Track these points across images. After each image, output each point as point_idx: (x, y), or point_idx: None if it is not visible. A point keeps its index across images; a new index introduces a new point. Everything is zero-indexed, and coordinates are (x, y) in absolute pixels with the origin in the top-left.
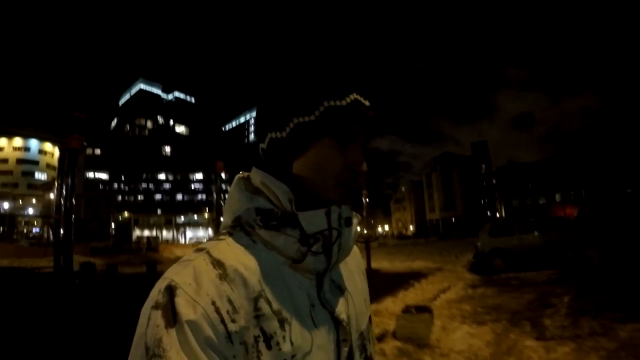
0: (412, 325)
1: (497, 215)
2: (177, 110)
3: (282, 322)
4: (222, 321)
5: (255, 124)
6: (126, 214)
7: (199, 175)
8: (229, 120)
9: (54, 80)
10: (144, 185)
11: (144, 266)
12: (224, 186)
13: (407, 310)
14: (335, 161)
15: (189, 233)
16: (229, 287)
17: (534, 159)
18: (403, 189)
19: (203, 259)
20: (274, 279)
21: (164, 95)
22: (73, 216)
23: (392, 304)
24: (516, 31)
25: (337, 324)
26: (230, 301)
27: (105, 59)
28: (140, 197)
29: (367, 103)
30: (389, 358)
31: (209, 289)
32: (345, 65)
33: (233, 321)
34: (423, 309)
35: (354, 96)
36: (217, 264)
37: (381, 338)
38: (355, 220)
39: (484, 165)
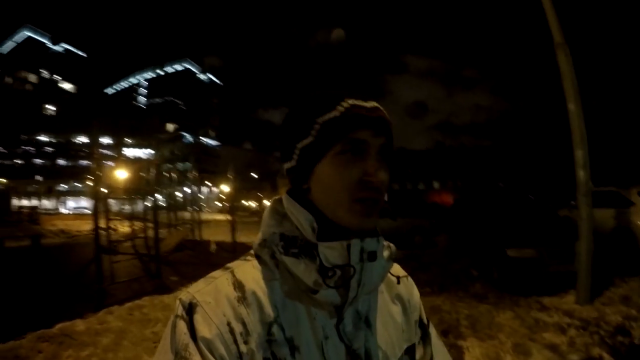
0: None
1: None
2: (65, 65)
3: (293, 349)
4: (235, 342)
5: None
6: (3, 180)
7: (83, 139)
8: (118, 81)
9: None
10: (22, 147)
11: (28, 239)
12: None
13: None
14: (344, 175)
15: (71, 202)
16: (245, 310)
17: (423, 147)
18: None
19: (226, 279)
20: (290, 307)
21: (51, 46)
22: None
23: None
24: (419, 19)
25: (356, 358)
26: (244, 324)
27: None
28: (18, 161)
29: (369, 104)
30: None
31: (225, 310)
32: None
33: (245, 342)
34: None
35: (348, 102)
36: (238, 285)
37: None
38: (385, 253)
39: None
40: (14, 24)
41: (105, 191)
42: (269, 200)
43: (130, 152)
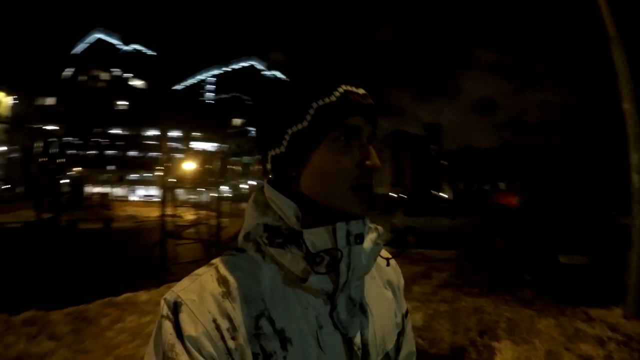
0: None
1: (445, 196)
2: (135, 63)
3: (284, 341)
4: (222, 338)
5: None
6: (79, 169)
7: (153, 132)
8: (186, 78)
9: (6, 27)
10: (96, 139)
11: (100, 222)
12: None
13: None
14: (343, 163)
15: (141, 191)
16: (231, 305)
17: (489, 145)
18: None
19: (210, 275)
20: (279, 298)
21: (122, 47)
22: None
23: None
24: (489, 13)
25: (352, 346)
26: (230, 319)
27: (62, 3)
28: (92, 152)
29: (360, 91)
30: None
31: (210, 307)
32: (328, 58)
33: (233, 338)
34: None
35: (343, 88)
36: (222, 280)
37: None
38: (371, 236)
39: (435, 147)
40: (87, 26)
41: (174, 181)
42: None
43: (198, 145)
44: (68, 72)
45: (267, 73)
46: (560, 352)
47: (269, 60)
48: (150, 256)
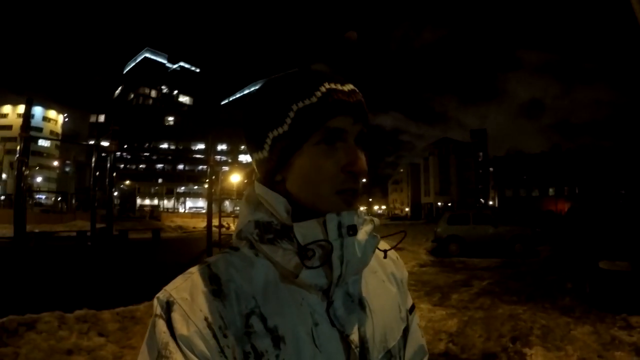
0: None
1: (491, 203)
2: (181, 80)
3: (276, 340)
4: (215, 336)
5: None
6: (129, 182)
7: (200, 146)
8: (232, 93)
9: (60, 48)
10: (146, 154)
11: (149, 232)
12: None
13: None
14: (325, 168)
15: (189, 203)
16: (221, 303)
17: (538, 148)
18: (402, 170)
19: (202, 273)
20: (272, 295)
21: (169, 65)
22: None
23: None
24: (532, 11)
25: (349, 344)
26: (222, 317)
27: (112, 27)
28: (142, 166)
29: (347, 87)
30: None
31: (202, 305)
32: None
33: (225, 336)
34: None
35: (325, 87)
36: (214, 278)
37: None
38: (367, 227)
39: (481, 153)
40: (137, 47)
41: (220, 193)
42: (378, 205)
43: (245, 157)
44: (119, 90)
45: None
46: None
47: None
48: (197, 263)
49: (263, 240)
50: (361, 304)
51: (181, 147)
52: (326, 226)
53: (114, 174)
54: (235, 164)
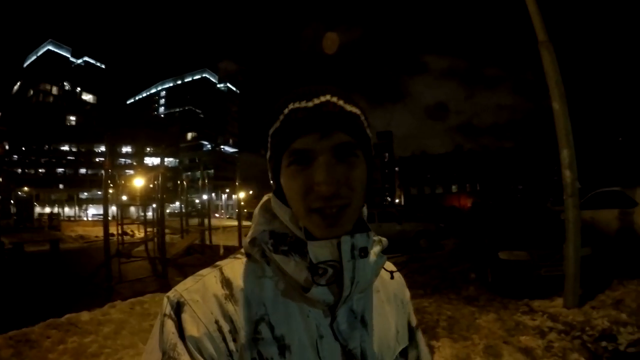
0: None
1: (397, 201)
2: (85, 77)
3: (282, 348)
4: (224, 340)
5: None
6: (27, 189)
7: (103, 148)
8: (139, 92)
9: None
10: (45, 157)
11: (47, 244)
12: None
13: None
14: (294, 188)
15: (92, 210)
16: (233, 307)
17: (442, 149)
18: None
19: (214, 276)
20: (281, 305)
21: (73, 59)
22: None
23: None
24: (439, 17)
25: (351, 358)
26: (232, 321)
27: (13, 15)
28: (41, 170)
29: (312, 103)
30: None
31: (213, 308)
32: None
33: (234, 340)
34: None
35: (289, 107)
36: (226, 283)
37: None
38: (376, 248)
39: (387, 154)
40: (38, 39)
41: (124, 198)
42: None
43: (151, 160)
44: (17, 86)
45: (220, 85)
46: (499, 346)
47: (219, 70)
48: (97, 276)
49: (277, 251)
50: (363, 321)
51: (83, 150)
52: (340, 248)
53: (9, 181)
54: (140, 167)
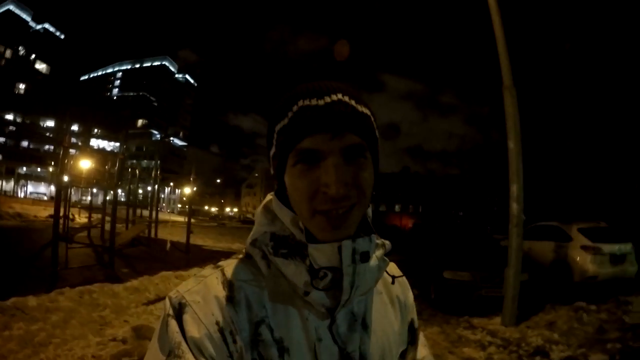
0: None
1: None
2: (42, 44)
3: (281, 350)
4: (225, 341)
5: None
6: None
7: (49, 123)
8: (95, 69)
9: None
10: None
11: None
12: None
13: None
14: (299, 189)
15: (30, 187)
16: (234, 309)
17: (390, 169)
18: (257, 174)
19: (215, 277)
20: (280, 307)
21: (32, 24)
22: None
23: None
24: (401, 39)
25: None
26: (233, 323)
27: None
28: None
29: (323, 101)
30: None
31: (214, 309)
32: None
33: (234, 341)
34: None
35: (299, 104)
36: (227, 284)
37: None
38: (379, 252)
39: None
40: None
41: (67, 180)
42: (230, 207)
43: (97, 142)
44: None
45: (179, 76)
46: (445, 355)
47: (179, 59)
48: (39, 259)
49: (277, 254)
50: (364, 324)
51: (28, 122)
52: (341, 252)
53: None
54: (87, 148)
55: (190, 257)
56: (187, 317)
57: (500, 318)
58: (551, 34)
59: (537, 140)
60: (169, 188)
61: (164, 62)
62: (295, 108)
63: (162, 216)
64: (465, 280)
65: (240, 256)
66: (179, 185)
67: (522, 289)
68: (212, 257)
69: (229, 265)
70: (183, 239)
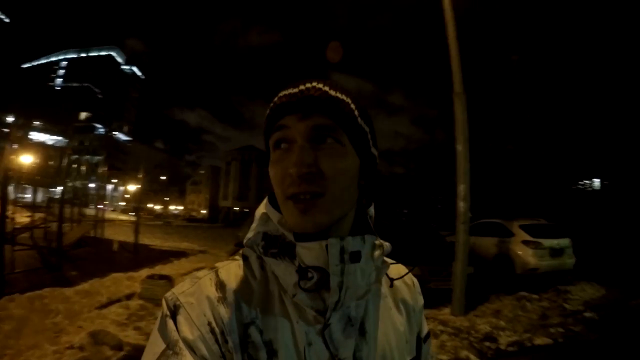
0: (152, 288)
1: None
2: None
3: (270, 353)
4: (217, 341)
5: None
6: None
7: None
8: (37, 57)
9: None
10: None
11: None
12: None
13: (150, 277)
14: (274, 171)
15: None
16: (225, 309)
17: None
18: (202, 171)
19: (209, 279)
20: (270, 309)
21: None
22: None
23: (147, 273)
24: (353, 38)
25: None
26: (224, 323)
27: None
28: None
29: (296, 89)
30: (132, 311)
31: (206, 310)
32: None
33: (226, 342)
34: (164, 277)
35: (278, 95)
36: (220, 285)
37: (129, 297)
38: (375, 253)
39: None
40: None
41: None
42: (175, 205)
43: (38, 136)
44: None
45: (125, 67)
46: None
47: (126, 48)
48: None
49: (267, 253)
50: (361, 329)
51: None
52: (328, 250)
53: None
54: (27, 141)
55: (139, 257)
56: (180, 319)
57: (449, 309)
58: (500, 46)
59: (482, 143)
60: (112, 185)
61: (111, 52)
62: (276, 99)
63: (107, 215)
64: (414, 275)
65: (237, 258)
66: (123, 182)
67: (469, 281)
68: (161, 257)
69: (224, 267)
70: (130, 239)
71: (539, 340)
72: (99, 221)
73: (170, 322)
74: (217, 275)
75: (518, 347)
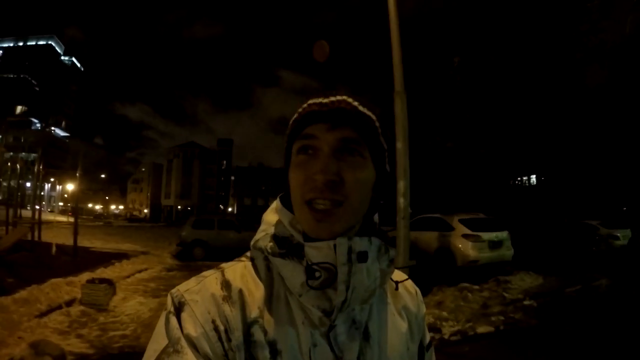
0: (93, 293)
1: (230, 209)
2: None
3: (274, 353)
4: (220, 339)
5: None
6: None
7: None
8: None
9: None
10: None
11: None
12: None
13: (91, 281)
14: (295, 175)
15: None
16: (229, 308)
17: (280, 164)
18: (143, 169)
19: (215, 278)
20: (276, 309)
21: None
22: None
23: (88, 278)
24: (299, 36)
25: None
26: (228, 322)
27: None
28: None
29: (327, 99)
30: (74, 318)
31: (210, 308)
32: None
33: (229, 340)
34: (105, 281)
35: (307, 103)
36: (225, 285)
37: (70, 303)
38: (380, 255)
39: (225, 162)
40: None
41: None
42: (115, 205)
43: None
44: None
45: (65, 58)
46: None
47: (65, 37)
48: None
49: (275, 254)
50: (366, 333)
51: None
52: (336, 249)
53: None
54: None
55: (79, 260)
56: (185, 316)
57: None
58: (442, 47)
59: (422, 140)
60: (49, 184)
61: (50, 42)
62: (305, 105)
63: (44, 216)
64: None
65: (243, 258)
66: (60, 181)
67: (411, 274)
68: (102, 260)
69: (230, 267)
70: (68, 241)
71: (481, 329)
72: (36, 223)
73: (173, 319)
74: (223, 275)
75: (461, 336)
